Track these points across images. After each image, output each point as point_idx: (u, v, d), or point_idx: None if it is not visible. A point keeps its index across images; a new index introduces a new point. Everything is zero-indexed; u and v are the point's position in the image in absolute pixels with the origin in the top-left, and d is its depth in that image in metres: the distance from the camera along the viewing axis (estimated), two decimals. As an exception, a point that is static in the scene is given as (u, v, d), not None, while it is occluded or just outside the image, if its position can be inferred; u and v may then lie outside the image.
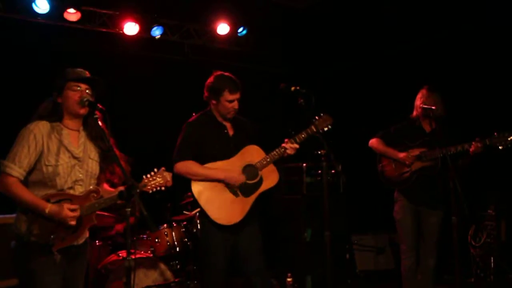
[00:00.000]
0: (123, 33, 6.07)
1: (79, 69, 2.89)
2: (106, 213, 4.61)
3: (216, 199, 3.49)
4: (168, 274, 4.51)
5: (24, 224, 2.68)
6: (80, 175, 2.82)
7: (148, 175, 2.93)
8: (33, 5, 5.40)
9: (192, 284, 4.82)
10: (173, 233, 4.89)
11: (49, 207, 2.65)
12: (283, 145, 3.56)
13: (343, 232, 5.81)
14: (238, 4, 6.21)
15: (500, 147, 3.97)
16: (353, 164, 4.88)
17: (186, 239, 4.94)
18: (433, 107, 4.15)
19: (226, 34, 6.69)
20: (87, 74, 2.90)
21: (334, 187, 5.71)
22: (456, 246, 3.82)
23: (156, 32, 6.22)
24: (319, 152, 3.50)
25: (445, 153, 4.01)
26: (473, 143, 4.01)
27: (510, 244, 5.36)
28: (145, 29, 6.19)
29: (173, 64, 6.70)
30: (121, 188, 2.78)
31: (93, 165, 2.91)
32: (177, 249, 4.89)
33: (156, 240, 4.83)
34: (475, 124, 4.86)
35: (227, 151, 3.58)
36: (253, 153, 3.61)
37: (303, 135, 3.57)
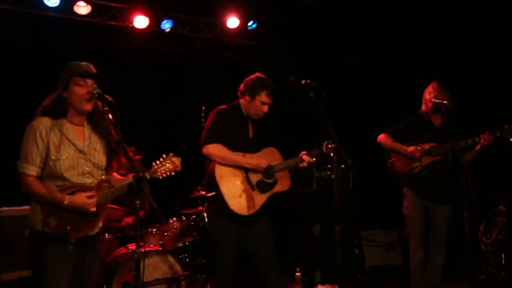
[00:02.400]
0: (133, 26, 6.07)
1: (84, 63, 2.87)
2: (115, 206, 4.63)
3: (235, 187, 3.59)
4: (177, 267, 4.51)
5: (39, 216, 2.71)
6: (87, 168, 2.84)
7: (158, 162, 2.94)
8: (44, -2, 5.42)
9: (201, 277, 4.82)
10: (183, 227, 4.90)
11: (67, 198, 2.69)
12: (301, 155, 3.75)
13: (352, 227, 5.79)
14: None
15: (511, 139, 3.94)
16: (362, 159, 4.86)
17: (195, 233, 4.95)
18: (445, 102, 4.12)
19: (236, 28, 6.67)
20: (92, 68, 2.89)
21: (344, 182, 5.68)
22: (467, 242, 3.79)
23: (166, 25, 6.22)
24: (330, 146, 3.51)
25: (455, 147, 3.99)
26: (482, 135, 3.99)
27: (522, 241, 5.32)
28: (155, 22, 6.19)
29: (182, 57, 6.69)
30: (132, 175, 2.80)
31: (100, 157, 2.91)
32: (186, 242, 4.90)
33: (165, 233, 4.84)
34: (485, 119, 4.81)
35: (246, 148, 3.70)
36: (272, 155, 3.79)
37: (316, 152, 3.77)
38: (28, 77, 5.37)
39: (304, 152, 3.76)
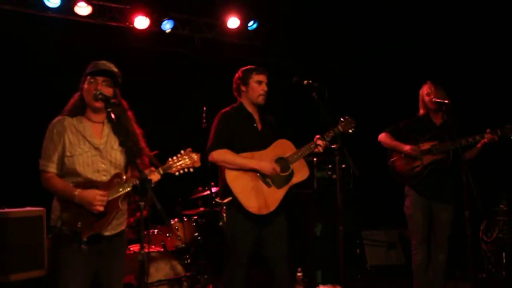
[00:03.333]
0: (134, 27, 6.08)
1: (101, 62, 2.89)
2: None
3: (249, 188, 3.52)
4: (179, 268, 4.53)
5: (56, 214, 2.78)
6: (103, 165, 2.84)
7: (174, 157, 2.91)
8: (44, -2, 5.43)
9: (202, 278, 4.84)
10: (184, 228, 4.91)
11: (78, 192, 2.71)
12: (314, 140, 3.63)
13: (353, 227, 5.79)
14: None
15: None
16: (364, 159, 4.86)
17: (197, 234, 4.96)
18: (446, 101, 4.13)
19: (236, 28, 6.68)
20: (112, 66, 2.90)
21: (345, 181, 5.69)
22: (468, 241, 3.80)
23: (167, 26, 6.23)
24: (332, 147, 3.50)
25: (456, 145, 3.99)
26: (486, 134, 4.01)
27: (523, 240, 5.32)
28: (156, 23, 6.20)
29: (183, 58, 6.70)
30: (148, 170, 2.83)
31: (117, 155, 2.90)
32: (188, 243, 4.90)
33: (167, 234, 4.85)
34: (483, 116, 4.82)
35: (256, 145, 3.64)
36: (284, 147, 3.70)
37: (331, 134, 3.66)
38: (28, 77, 5.37)
39: (317, 136, 3.65)
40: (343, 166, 5.40)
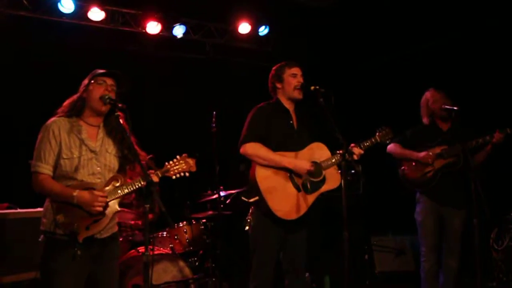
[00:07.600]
0: (146, 32, 6.15)
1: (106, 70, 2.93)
2: (126, 209, 4.68)
3: (278, 190, 3.38)
4: (187, 270, 4.55)
5: (50, 216, 2.73)
6: (98, 168, 2.85)
7: (171, 162, 2.96)
8: (59, 5, 5.51)
9: (210, 281, 4.86)
10: (192, 231, 4.94)
11: (76, 192, 2.70)
12: (350, 148, 3.46)
13: (361, 233, 5.78)
14: (259, 3, 6.24)
15: None
16: (374, 165, 4.85)
17: (205, 236, 4.99)
18: (455, 108, 4.09)
19: (247, 33, 6.72)
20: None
21: (354, 187, 5.68)
22: (477, 249, 3.76)
23: (178, 31, 6.29)
24: (339, 152, 3.46)
25: (466, 147, 3.96)
26: (495, 134, 4.00)
27: (534, 248, 5.26)
28: (167, 28, 6.27)
29: (194, 63, 6.75)
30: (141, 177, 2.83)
31: (111, 159, 2.92)
32: (196, 246, 4.93)
33: (176, 237, 4.88)
34: (489, 121, 4.80)
35: (291, 142, 3.52)
36: (319, 151, 3.57)
37: (367, 143, 3.59)
38: (42, 82, 5.46)
39: (353, 145, 3.50)
40: (352, 171, 5.39)
